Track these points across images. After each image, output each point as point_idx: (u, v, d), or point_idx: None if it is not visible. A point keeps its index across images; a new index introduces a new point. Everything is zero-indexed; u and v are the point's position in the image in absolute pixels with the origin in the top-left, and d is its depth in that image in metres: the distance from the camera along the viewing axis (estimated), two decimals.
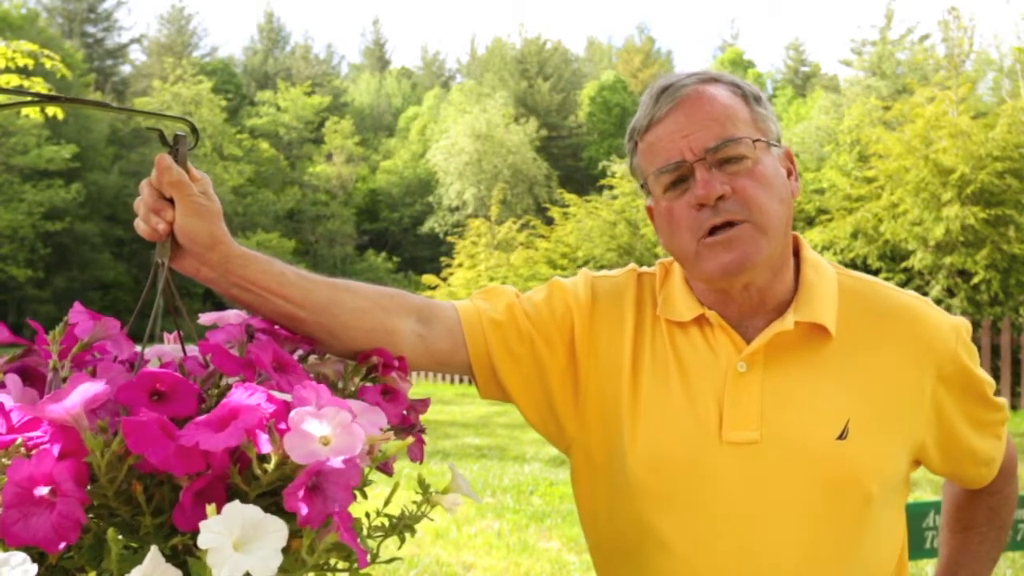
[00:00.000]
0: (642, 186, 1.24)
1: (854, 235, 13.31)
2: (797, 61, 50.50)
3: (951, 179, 12.29)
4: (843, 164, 16.68)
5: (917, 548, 2.35)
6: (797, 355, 1.19)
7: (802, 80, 48.43)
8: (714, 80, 1.21)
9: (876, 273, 13.20)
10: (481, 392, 1.28)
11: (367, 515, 0.87)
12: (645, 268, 1.34)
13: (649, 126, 1.20)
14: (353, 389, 1.00)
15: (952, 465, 1.28)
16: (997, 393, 1.28)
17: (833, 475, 1.14)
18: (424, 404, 1.04)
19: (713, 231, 1.15)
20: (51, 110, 6.99)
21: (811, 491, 1.14)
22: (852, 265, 13.44)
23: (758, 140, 1.17)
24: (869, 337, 1.20)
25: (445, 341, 1.20)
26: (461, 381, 14.97)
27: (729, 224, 1.15)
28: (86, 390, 0.72)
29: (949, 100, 13.72)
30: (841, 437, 1.14)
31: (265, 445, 0.70)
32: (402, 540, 0.86)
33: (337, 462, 0.69)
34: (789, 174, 1.23)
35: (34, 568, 0.62)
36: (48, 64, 7.12)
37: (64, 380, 0.79)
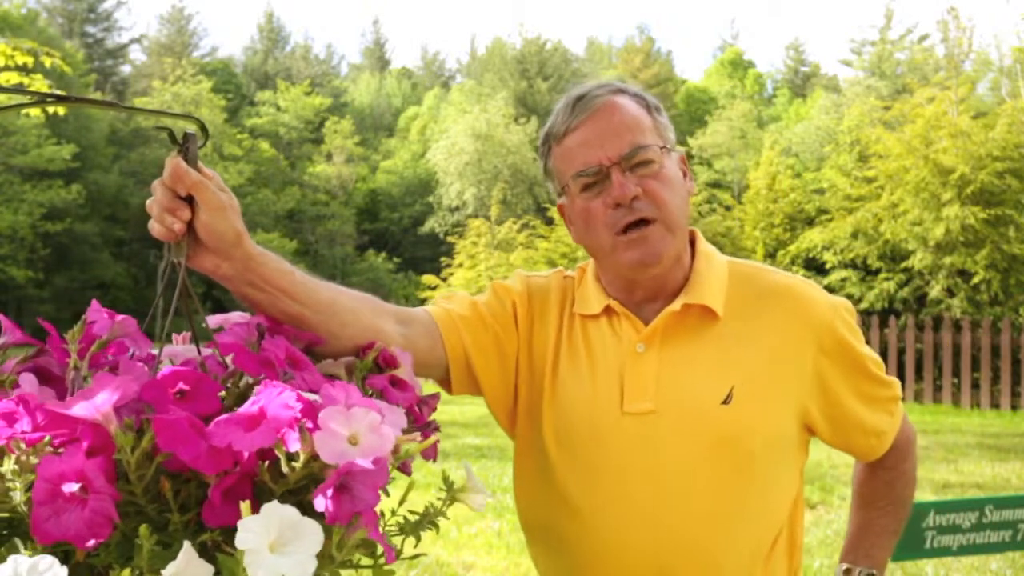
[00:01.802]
0: (561, 186, 1.38)
1: (854, 235, 13.32)
2: (797, 61, 50.43)
3: (951, 179, 12.30)
4: (843, 164, 16.69)
5: (917, 548, 2.37)
6: (688, 334, 1.34)
7: (802, 80, 48.35)
8: (621, 91, 1.36)
9: (876, 273, 13.21)
10: (453, 387, 1.38)
11: (381, 513, 0.87)
12: (569, 272, 1.48)
13: (566, 132, 1.35)
14: (365, 390, 1.00)
15: (841, 435, 1.40)
16: (891, 374, 1.42)
17: (719, 435, 1.28)
18: (435, 399, 1.05)
19: (627, 228, 1.30)
20: (52, 107, 6.97)
21: (700, 451, 1.28)
22: (852, 265, 13.45)
23: (663, 147, 1.34)
24: (754, 315, 1.35)
25: (424, 339, 1.30)
26: None
27: (642, 222, 1.30)
28: (115, 389, 0.72)
29: (949, 100, 13.74)
30: (725, 402, 1.29)
31: (294, 444, 0.71)
32: (418, 538, 0.86)
33: (367, 462, 0.70)
34: (685, 175, 1.38)
35: (63, 571, 0.62)
36: (48, 62, 7.10)
37: (85, 379, 0.79)
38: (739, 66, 46.48)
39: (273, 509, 0.67)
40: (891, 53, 36.43)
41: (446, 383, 1.37)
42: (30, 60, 7.02)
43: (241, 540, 0.64)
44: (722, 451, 1.28)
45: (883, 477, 1.52)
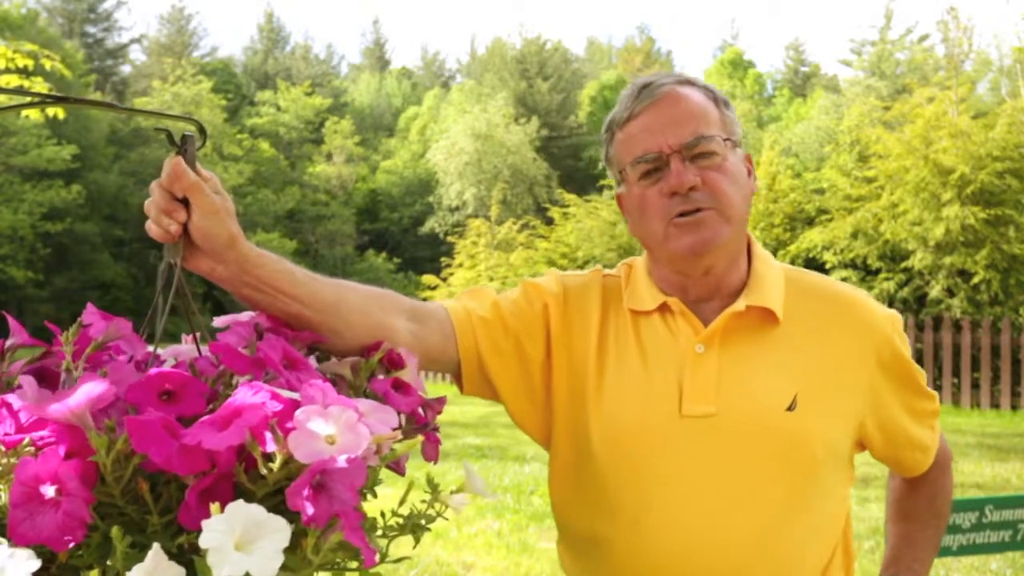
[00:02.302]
0: (619, 172, 1.34)
1: (854, 235, 13.29)
2: (797, 61, 50.42)
3: (951, 179, 12.29)
4: (843, 164, 16.67)
5: None
6: (750, 337, 1.29)
7: (802, 80, 48.34)
8: (689, 83, 1.32)
9: (876, 273, 13.20)
10: (464, 388, 1.34)
11: (382, 514, 0.87)
12: (608, 271, 1.43)
13: (629, 119, 1.30)
14: (366, 387, 1.00)
15: (892, 449, 1.38)
16: (930, 385, 1.39)
17: (783, 442, 1.23)
18: (440, 403, 1.03)
19: (681, 216, 1.25)
20: (51, 109, 6.96)
21: (763, 457, 1.23)
22: (852, 265, 13.43)
23: (727, 139, 1.29)
24: (813, 323, 1.31)
25: (437, 337, 1.26)
26: None
27: (697, 211, 1.25)
28: (90, 390, 0.72)
29: (949, 100, 13.72)
30: (790, 408, 1.24)
31: (269, 444, 0.70)
32: (416, 540, 0.85)
33: (342, 461, 0.69)
34: (748, 174, 1.34)
35: (37, 563, 0.63)
36: (48, 64, 7.10)
37: (76, 381, 0.79)
38: (739, 66, 46.42)
39: (238, 508, 0.66)
40: (891, 53, 36.44)
41: (459, 381, 1.33)
42: (30, 63, 7.03)
43: (205, 540, 0.63)
44: (786, 458, 1.23)
45: (925, 492, 1.49)
